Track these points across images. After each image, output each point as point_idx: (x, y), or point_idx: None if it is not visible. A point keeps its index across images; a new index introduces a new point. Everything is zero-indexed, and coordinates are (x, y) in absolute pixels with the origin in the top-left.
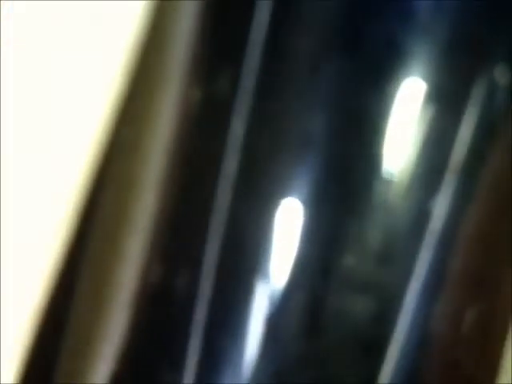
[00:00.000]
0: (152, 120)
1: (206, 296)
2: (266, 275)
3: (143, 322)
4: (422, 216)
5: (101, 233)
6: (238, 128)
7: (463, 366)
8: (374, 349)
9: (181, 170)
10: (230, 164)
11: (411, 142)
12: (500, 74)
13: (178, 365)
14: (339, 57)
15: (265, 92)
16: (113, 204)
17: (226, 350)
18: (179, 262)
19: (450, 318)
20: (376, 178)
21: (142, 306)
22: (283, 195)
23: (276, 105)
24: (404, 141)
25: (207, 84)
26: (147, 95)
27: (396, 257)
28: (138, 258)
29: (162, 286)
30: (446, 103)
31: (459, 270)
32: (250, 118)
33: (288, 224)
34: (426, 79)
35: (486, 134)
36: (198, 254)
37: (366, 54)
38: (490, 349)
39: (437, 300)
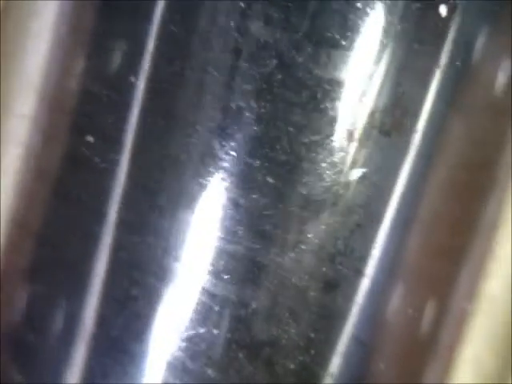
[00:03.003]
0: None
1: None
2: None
3: None
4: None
5: None
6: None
7: (414, 365)
8: (318, 345)
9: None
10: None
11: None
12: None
13: None
14: None
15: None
16: None
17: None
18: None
19: (400, 317)
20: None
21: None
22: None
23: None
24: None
25: (96, 56)
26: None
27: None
28: None
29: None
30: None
31: (411, 265)
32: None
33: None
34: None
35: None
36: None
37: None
38: (442, 348)
39: (388, 297)
